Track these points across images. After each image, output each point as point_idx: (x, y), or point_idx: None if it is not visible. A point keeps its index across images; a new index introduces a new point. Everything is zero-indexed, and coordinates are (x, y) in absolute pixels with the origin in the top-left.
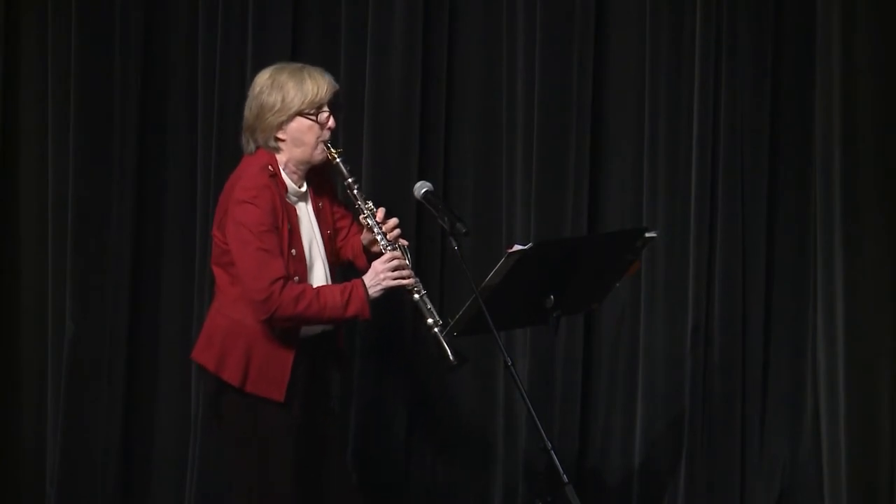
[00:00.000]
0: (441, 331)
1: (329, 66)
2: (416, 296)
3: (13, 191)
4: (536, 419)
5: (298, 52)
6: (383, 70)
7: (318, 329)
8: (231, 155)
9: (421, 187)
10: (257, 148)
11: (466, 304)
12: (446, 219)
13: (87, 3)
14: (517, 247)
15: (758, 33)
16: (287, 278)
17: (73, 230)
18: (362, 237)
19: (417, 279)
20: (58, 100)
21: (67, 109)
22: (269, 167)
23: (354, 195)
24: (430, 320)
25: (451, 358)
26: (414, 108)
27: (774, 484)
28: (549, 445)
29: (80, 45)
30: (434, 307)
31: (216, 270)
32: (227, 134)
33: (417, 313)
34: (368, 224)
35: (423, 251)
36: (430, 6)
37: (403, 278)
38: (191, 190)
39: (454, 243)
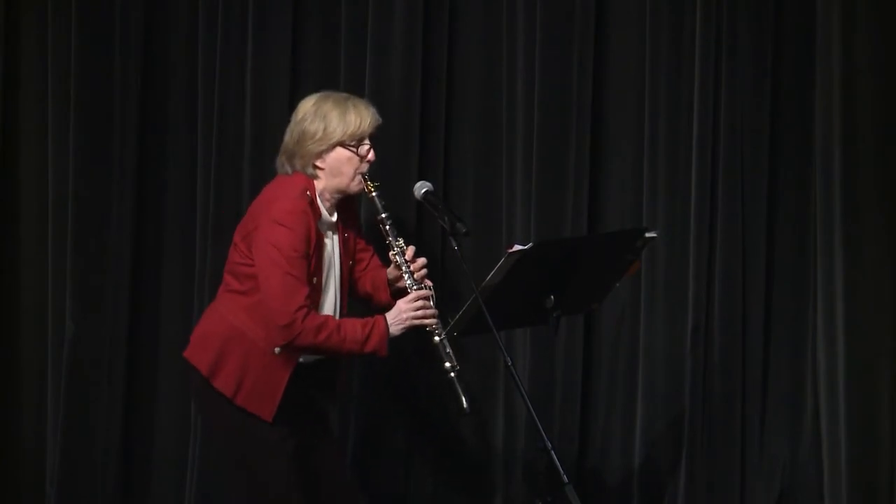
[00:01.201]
0: (458, 376)
1: (329, 66)
2: (437, 338)
3: (13, 191)
4: (536, 419)
5: (298, 52)
6: (383, 70)
7: (312, 357)
8: (231, 155)
9: (421, 187)
10: (295, 171)
11: (466, 304)
12: (446, 219)
13: (87, 3)
14: (517, 247)
15: (758, 33)
16: (311, 307)
17: (73, 230)
18: (389, 271)
19: (439, 321)
20: (58, 100)
21: (67, 109)
22: (308, 193)
23: (386, 231)
24: (447, 364)
25: (464, 406)
26: (414, 108)
27: (774, 484)
28: (549, 445)
29: (80, 45)
30: (453, 352)
31: (228, 277)
32: (227, 134)
33: (435, 354)
34: (397, 262)
35: (423, 251)
36: (430, 6)
37: (426, 318)
38: (191, 190)
39: (454, 243)
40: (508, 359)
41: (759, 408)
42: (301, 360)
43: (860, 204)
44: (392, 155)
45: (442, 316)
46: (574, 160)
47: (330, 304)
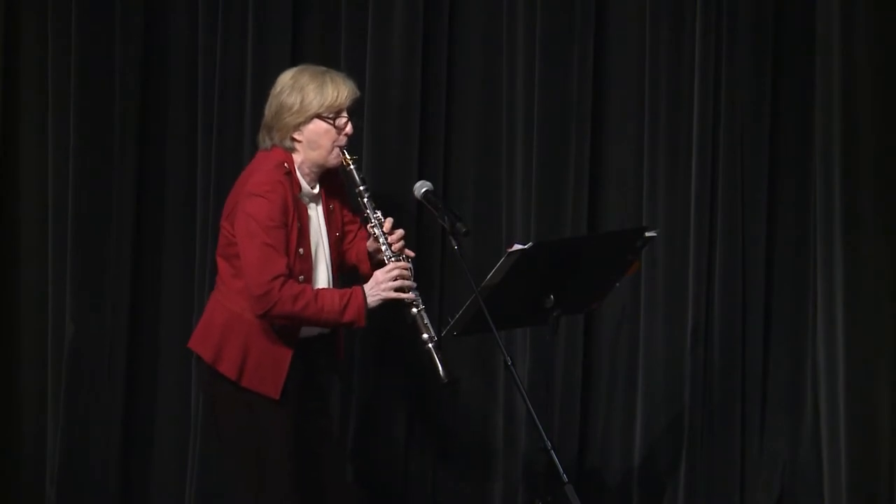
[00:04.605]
0: (435, 347)
1: (329, 66)
2: (415, 310)
3: (13, 191)
4: (536, 419)
5: (298, 52)
6: (383, 70)
7: (315, 331)
8: (231, 155)
9: (421, 187)
10: (273, 145)
11: (466, 304)
12: (446, 219)
13: (87, 4)
14: (517, 246)
15: (758, 33)
16: (288, 276)
17: (73, 230)
18: (368, 244)
19: (417, 293)
20: (58, 100)
21: (67, 109)
22: (285, 164)
23: (364, 203)
24: (425, 335)
25: (441, 375)
26: (414, 108)
27: (774, 484)
28: (549, 445)
29: (80, 46)
30: (431, 322)
31: (220, 262)
32: (227, 134)
33: (414, 327)
34: (375, 234)
35: (423, 251)
36: (430, 6)
37: (403, 291)
38: (191, 190)
39: (454, 243)
40: (508, 359)
41: (759, 408)
42: (302, 334)
43: (860, 204)
44: (392, 155)
45: (442, 316)
46: (574, 160)
47: (323, 276)
